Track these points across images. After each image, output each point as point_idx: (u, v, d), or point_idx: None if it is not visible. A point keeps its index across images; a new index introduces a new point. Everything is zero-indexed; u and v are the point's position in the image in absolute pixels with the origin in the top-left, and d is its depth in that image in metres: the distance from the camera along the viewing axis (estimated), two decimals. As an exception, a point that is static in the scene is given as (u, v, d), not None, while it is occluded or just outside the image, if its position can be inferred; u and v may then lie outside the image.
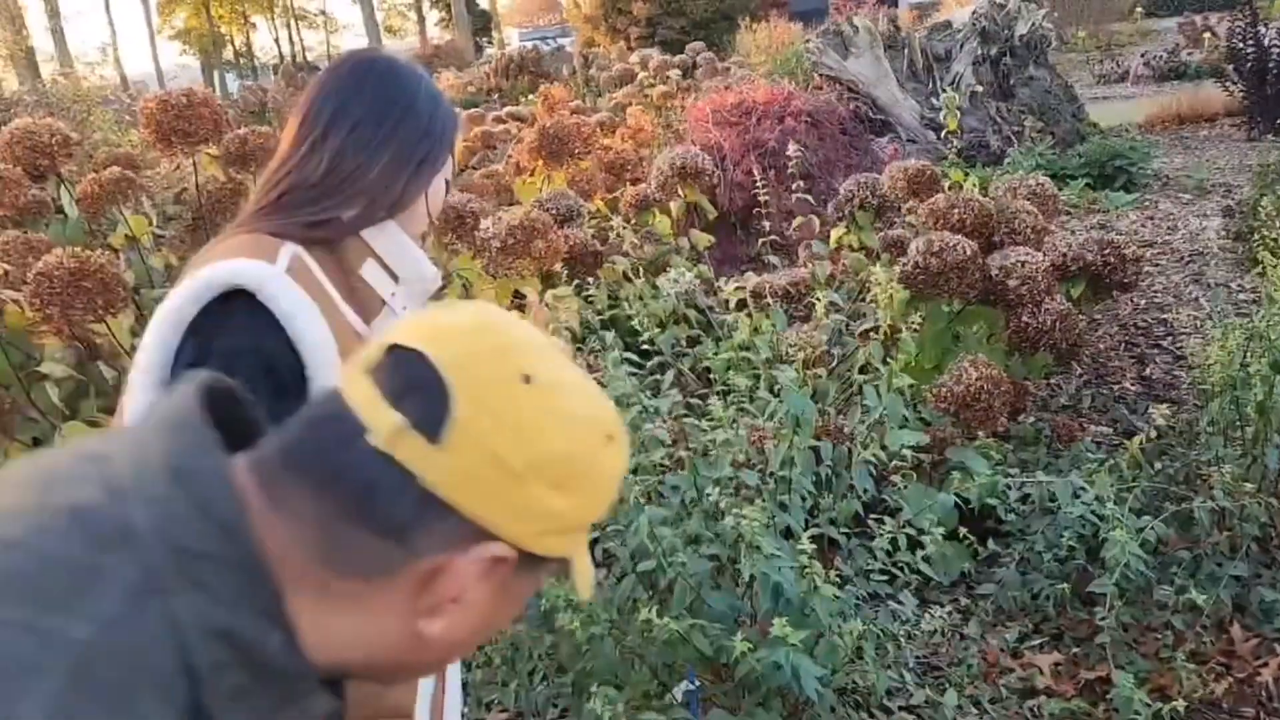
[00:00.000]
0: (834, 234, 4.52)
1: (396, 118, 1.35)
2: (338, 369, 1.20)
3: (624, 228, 4.13)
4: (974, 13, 9.91)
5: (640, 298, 3.79)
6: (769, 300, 3.55)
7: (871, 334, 3.14)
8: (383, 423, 0.67)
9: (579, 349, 3.42)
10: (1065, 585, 2.64)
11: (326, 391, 0.72)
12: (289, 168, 1.33)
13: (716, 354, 3.86)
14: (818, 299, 3.11)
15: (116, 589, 0.61)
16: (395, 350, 0.69)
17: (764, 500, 2.27)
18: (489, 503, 0.68)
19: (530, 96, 14.62)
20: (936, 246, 3.36)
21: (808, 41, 10.22)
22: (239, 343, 1.18)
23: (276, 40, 52.10)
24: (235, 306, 1.19)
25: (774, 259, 4.69)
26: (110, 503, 0.64)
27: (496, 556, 0.69)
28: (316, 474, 0.68)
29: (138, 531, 0.63)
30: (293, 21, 51.83)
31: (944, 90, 8.94)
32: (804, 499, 2.39)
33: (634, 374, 2.29)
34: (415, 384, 0.68)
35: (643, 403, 2.14)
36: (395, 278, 1.36)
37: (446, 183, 1.45)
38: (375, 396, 0.68)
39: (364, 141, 1.32)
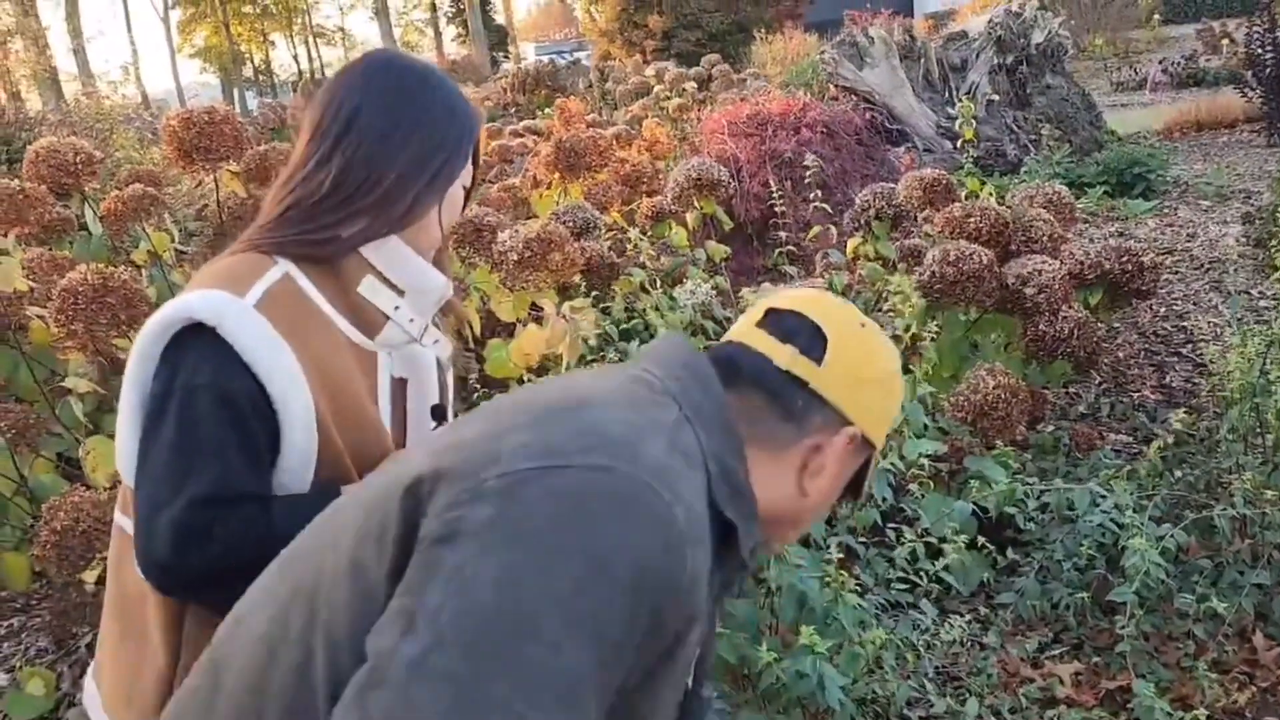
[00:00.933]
0: (850, 244, 4.52)
1: (408, 128, 1.29)
2: (306, 395, 1.21)
3: (640, 239, 4.15)
4: (990, 22, 9.90)
5: (657, 309, 3.80)
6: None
7: (888, 343, 3.13)
8: (783, 352, 1.10)
9: (597, 360, 3.44)
10: (1085, 594, 2.63)
11: (727, 342, 1.14)
12: (295, 183, 1.30)
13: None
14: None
15: (671, 415, 1.01)
16: (773, 311, 1.13)
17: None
18: (849, 400, 1.10)
19: (547, 110, 14.69)
20: (953, 255, 3.36)
21: (823, 52, 10.24)
22: (195, 378, 1.19)
23: (295, 57, 52.55)
24: (197, 339, 1.19)
25: (790, 269, 4.69)
26: (651, 377, 1.05)
27: (852, 435, 1.10)
28: (748, 381, 1.09)
29: (671, 393, 1.03)
30: (311, 39, 52.25)
31: (960, 100, 8.93)
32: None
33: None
34: (798, 329, 1.11)
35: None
36: (400, 291, 1.32)
37: (465, 190, 1.40)
38: (770, 339, 1.11)
39: (372, 154, 1.27)
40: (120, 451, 1.27)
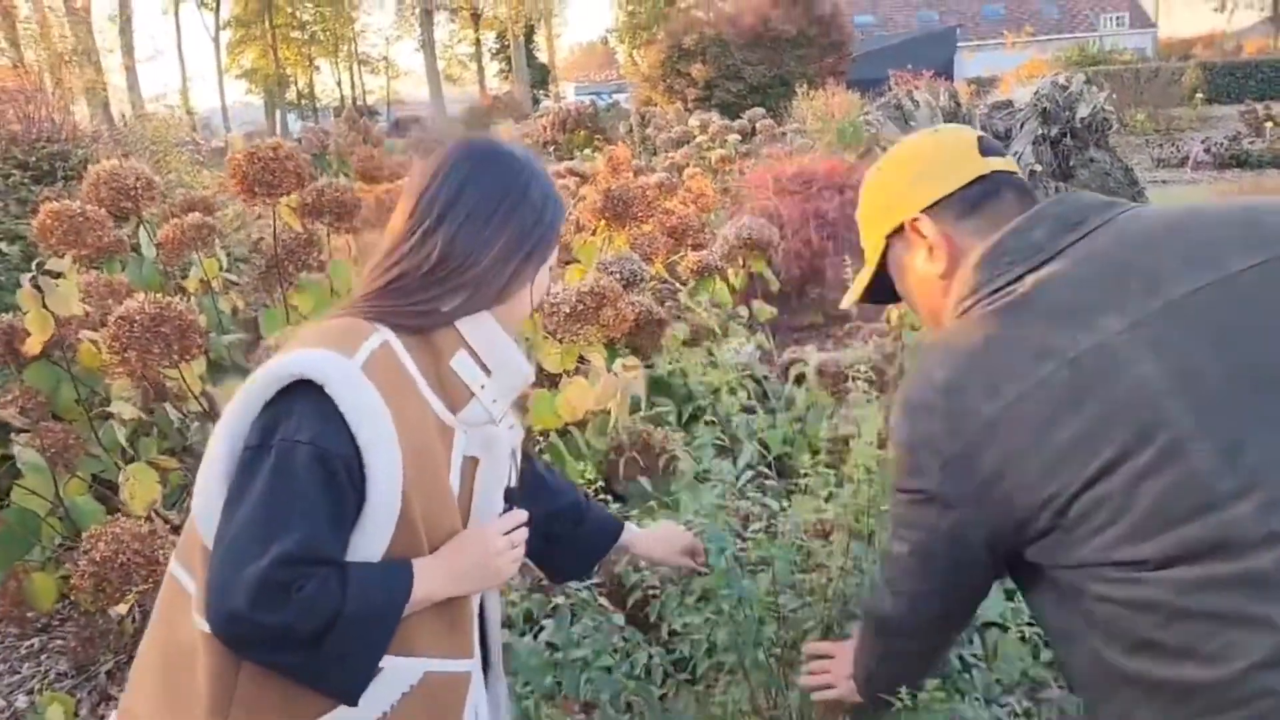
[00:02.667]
0: (894, 311, 4.49)
1: (509, 207, 1.35)
2: (398, 463, 1.22)
3: (688, 297, 4.14)
4: (1036, 92, 9.92)
5: (702, 366, 3.77)
6: (851, 377, 3.49)
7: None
8: (1005, 163, 1.44)
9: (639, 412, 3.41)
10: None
11: (992, 173, 1.40)
12: (399, 255, 1.33)
13: (771, 426, 3.84)
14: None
15: None
16: (977, 140, 1.45)
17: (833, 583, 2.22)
18: None
19: (585, 151, 14.80)
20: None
21: (867, 113, 10.28)
22: (297, 434, 1.19)
23: (339, 83, 53.38)
24: (301, 396, 1.20)
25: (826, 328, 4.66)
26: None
27: None
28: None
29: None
30: (355, 66, 53.10)
31: (1004, 168, 8.91)
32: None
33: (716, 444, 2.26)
34: (992, 146, 1.46)
35: (721, 477, 2.10)
36: (487, 370, 1.35)
37: (549, 269, 1.45)
38: (1001, 159, 1.44)
39: (476, 232, 1.33)
40: (202, 504, 1.26)
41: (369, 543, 1.24)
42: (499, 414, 1.38)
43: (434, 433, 1.30)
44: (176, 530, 3.05)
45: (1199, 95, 20.11)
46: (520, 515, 1.43)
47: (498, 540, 1.35)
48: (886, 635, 1.55)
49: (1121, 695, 1.21)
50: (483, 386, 1.34)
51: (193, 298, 3.33)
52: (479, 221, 1.33)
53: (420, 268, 1.31)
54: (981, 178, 1.39)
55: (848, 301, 1.61)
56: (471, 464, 1.37)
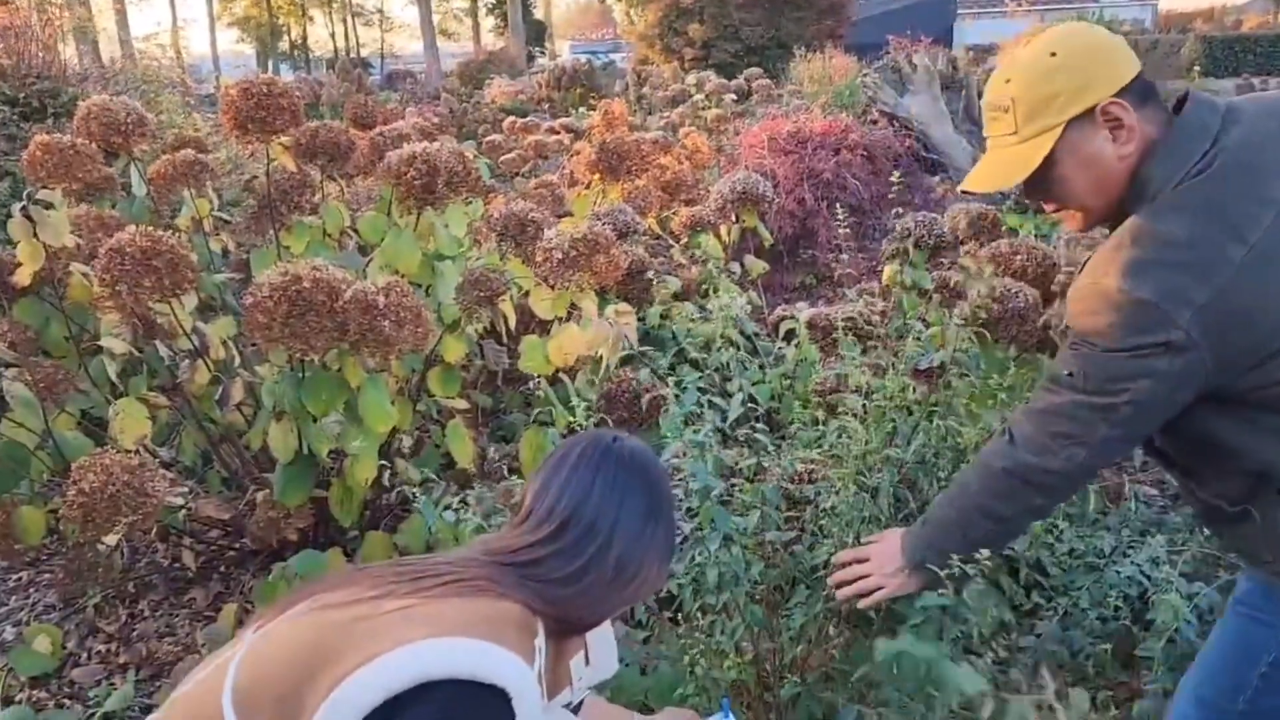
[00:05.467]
0: (887, 271, 4.50)
1: (656, 521, 1.43)
2: None
3: (679, 249, 4.13)
4: (1034, 59, 9.86)
5: (692, 319, 3.77)
6: (840, 331, 3.52)
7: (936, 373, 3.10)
8: None
9: (630, 362, 3.41)
10: (1108, 645, 2.59)
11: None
12: (579, 564, 1.35)
13: (761, 381, 3.85)
14: (911, 334, 3.07)
15: None
16: None
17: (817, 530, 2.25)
18: None
19: (580, 109, 14.68)
20: (999, 292, 3.32)
21: (865, 75, 10.22)
22: None
23: (333, 35, 52.66)
24: (490, 701, 1.17)
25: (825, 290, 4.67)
26: None
27: None
28: None
29: None
30: (350, 18, 52.38)
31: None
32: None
33: (702, 390, 2.27)
34: None
35: (711, 426, 2.11)
36: (586, 661, 1.42)
37: None
38: None
39: (635, 543, 1.40)
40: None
41: None
42: (577, 699, 1.46)
43: None
44: (166, 466, 3.06)
45: (1197, 68, 20.03)
46: None
47: None
48: (1031, 491, 1.64)
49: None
50: (580, 678, 1.40)
51: (183, 236, 3.30)
52: (636, 533, 1.40)
53: (603, 580, 1.36)
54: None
55: (991, 186, 1.68)
56: None
